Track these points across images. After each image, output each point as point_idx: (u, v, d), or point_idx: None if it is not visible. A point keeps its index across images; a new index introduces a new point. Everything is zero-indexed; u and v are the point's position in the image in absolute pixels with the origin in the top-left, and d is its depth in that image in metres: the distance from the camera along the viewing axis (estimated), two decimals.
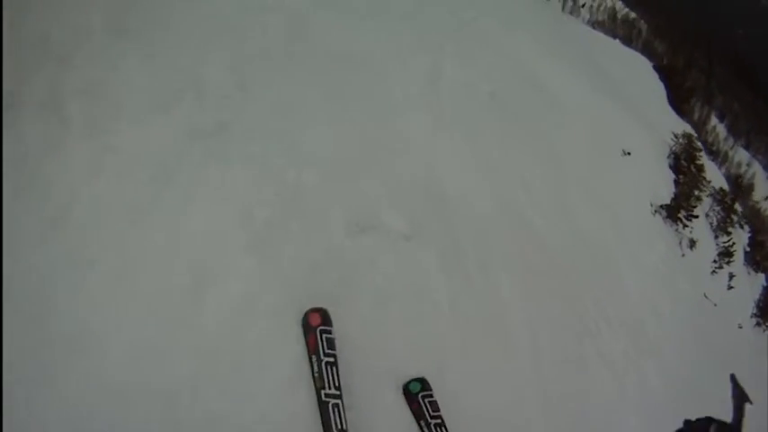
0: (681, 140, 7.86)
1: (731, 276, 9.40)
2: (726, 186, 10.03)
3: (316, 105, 3.66)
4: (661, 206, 7.00)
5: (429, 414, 2.61)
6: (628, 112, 7.34)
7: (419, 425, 2.63)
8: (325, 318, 2.55)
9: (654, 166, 7.04)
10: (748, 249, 11.26)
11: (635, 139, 6.82)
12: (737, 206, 10.36)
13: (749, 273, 11.08)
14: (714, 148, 12.53)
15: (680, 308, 6.18)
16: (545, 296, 4.04)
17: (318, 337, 2.49)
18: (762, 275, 12.22)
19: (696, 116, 12.68)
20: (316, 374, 2.41)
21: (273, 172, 3.13)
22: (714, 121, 15.54)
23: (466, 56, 5.23)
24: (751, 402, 1.64)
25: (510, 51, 5.95)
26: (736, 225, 10.11)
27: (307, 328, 2.51)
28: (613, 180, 6.01)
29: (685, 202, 7.40)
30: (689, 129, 8.81)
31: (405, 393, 2.70)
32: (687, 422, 1.49)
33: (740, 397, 1.64)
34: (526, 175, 4.68)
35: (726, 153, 14.26)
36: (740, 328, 9.70)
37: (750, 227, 11.29)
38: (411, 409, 2.66)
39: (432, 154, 4.04)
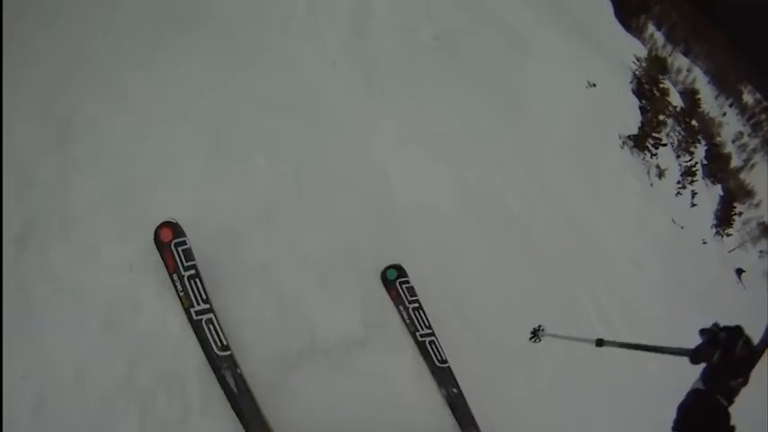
0: (643, 64, 7.23)
1: (693, 194, 9.26)
2: (680, 103, 9.66)
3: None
4: (629, 137, 6.48)
5: (407, 299, 2.65)
6: (587, 39, 6.62)
7: (398, 310, 2.66)
8: (176, 230, 2.16)
9: (619, 95, 6.46)
10: (705, 162, 11.14)
11: (598, 67, 6.14)
12: (694, 122, 10.10)
13: (707, 186, 11.04)
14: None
15: (656, 248, 5.94)
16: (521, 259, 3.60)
17: (175, 252, 2.14)
18: (719, 186, 12.30)
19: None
20: (181, 294, 2.09)
21: None
22: (651, 29, 15.48)
23: None
24: None
25: None
26: (696, 143, 9.84)
27: (160, 245, 2.15)
28: (580, 117, 5.35)
29: (651, 129, 6.93)
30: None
31: (383, 281, 2.68)
32: (708, 331, 1.35)
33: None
34: (491, 144, 3.89)
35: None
36: (705, 243, 9.73)
37: (705, 139, 11.11)
38: (390, 296, 2.67)
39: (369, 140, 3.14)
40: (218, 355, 2.02)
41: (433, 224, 3.09)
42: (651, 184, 7.02)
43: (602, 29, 7.61)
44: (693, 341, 1.32)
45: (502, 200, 3.73)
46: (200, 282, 2.12)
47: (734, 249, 16.56)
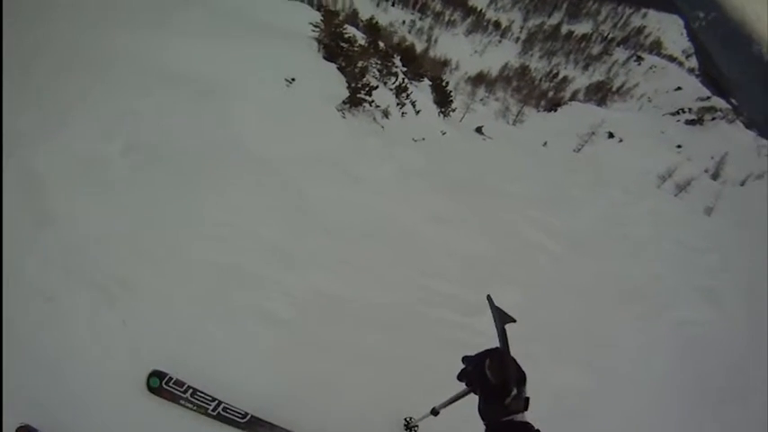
0: (320, 25, 7.59)
1: (413, 103, 10.59)
2: (360, 35, 10.50)
3: None
4: (343, 103, 6.93)
5: (180, 392, 2.68)
6: (266, 37, 6.65)
7: (180, 405, 2.68)
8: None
9: (317, 72, 6.74)
10: (404, 69, 12.67)
11: (288, 58, 6.29)
12: (380, 44, 11.18)
13: (416, 86, 12.69)
14: None
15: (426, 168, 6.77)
16: None
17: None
18: (425, 81, 14.20)
19: None
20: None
21: None
22: None
23: None
24: (514, 320, 1.63)
25: None
26: (392, 58, 10.95)
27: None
28: (291, 111, 5.55)
29: (357, 81, 7.48)
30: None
31: (151, 391, 2.66)
32: (465, 358, 1.42)
33: (500, 319, 1.59)
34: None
35: None
36: (444, 134, 11.27)
37: (395, 52, 12.50)
38: (166, 399, 2.67)
39: None
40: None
41: None
42: (383, 127, 7.80)
43: (268, 17, 7.70)
44: None
45: None
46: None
47: (463, 117, 19.73)
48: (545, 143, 23.90)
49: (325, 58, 7.45)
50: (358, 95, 7.29)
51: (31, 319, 2.64)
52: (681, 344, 5.58)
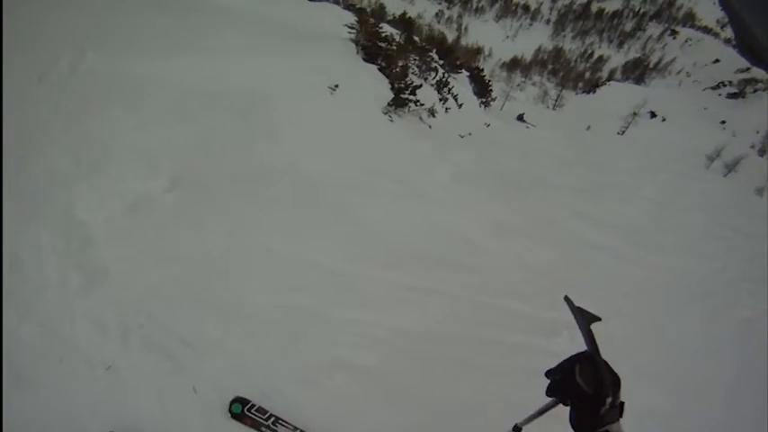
0: (355, 26, 7.23)
1: (455, 97, 10.09)
2: (393, 31, 10.11)
3: None
4: (389, 105, 6.55)
5: (263, 419, 2.59)
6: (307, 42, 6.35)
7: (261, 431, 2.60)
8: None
9: (358, 75, 6.37)
10: (441, 63, 12.16)
11: (329, 65, 5.94)
12: (416, 39, 10.77)
13: (455, 78, 12.16)
14: None
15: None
16: None
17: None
18: (462, 73, 13.66)
19: None
20: None
21: None
22: None
23: None
24: (599, 319, 1.37)
25: None
26: (429, 53, 10.54)
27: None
28: (338, 120, 5.20)
29: (400, 80, 7.09)
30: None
31: (234, 417, 2.57)
32: (549, 372, 1.24)
33: (584, 320, 1.34)
34: None
35: None
36: (488, 126, 10.83)
37: (430, 46, 12.02)
38: (247, 425, 2.58)
39: None
40: None
41: None
42: (430, 126, 7.38)
43: (300, 22, 7.41)
44: None
45: None
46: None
47: (503, 105, 19.10)
48: (588, 127, 22.87)
49: (364, 59, 7.08)
50: (402, 96, 6.89)
51: (89, 392, 2.34)
52: (751, 343, 4.97)
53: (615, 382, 1.17)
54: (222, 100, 4.39)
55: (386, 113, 6.33)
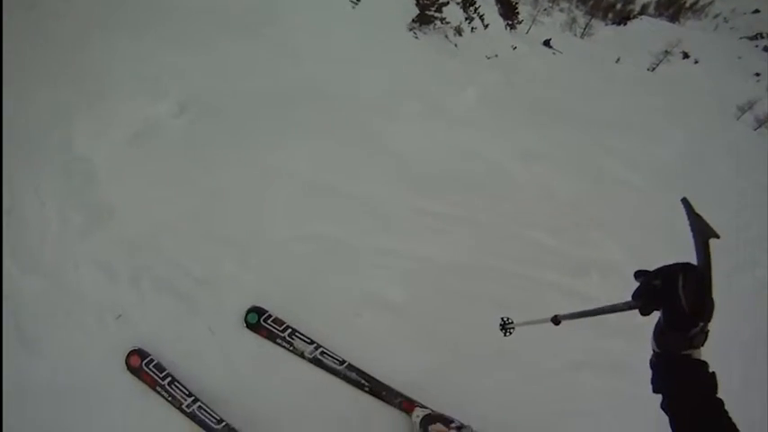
0: None
1: (482, 17, 9.45)
2: None
3: None
4: (413, 21, 6.11)
5: (279, 330, 2.55)
6: None
7: (276, 343, 2.55)
8: (142, 354, 2.31)
9: None
10: None
11: None
12: None
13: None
14: None
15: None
16: None
17: (148, 371, 2.30)
18: None
19: None
20: (169, 399, 2.29)
21: None
22: None
23: None
24: (718, 236, 1.17)
25: None
26: None
27: (133, 370, 2.31)
28: (361, 36, 4.83)
29: None
30: None
31: (248, 327, 2.55)
32: (643, 273, 1.13)
33: (702, 232, 1.15)
34: None
35: None
36: (515, 48, 10.22)
37: None
38: (262, 336, 2.55)
39: None
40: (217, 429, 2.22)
41: None
42: (456, 45, 6.92)
43: None
44: None
45: None
46: (178, 383, 2.27)
47: (529, 29, 18.01)
48: (618, 59, 21.61)
49: None
50: (428, 12, 6.40)
51: (99, 341, 2.25)
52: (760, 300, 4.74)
53: (712, 307, 1.05)
54: (232, 13, 4.02)
55: (410, 30, 5.90)
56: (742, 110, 24.39)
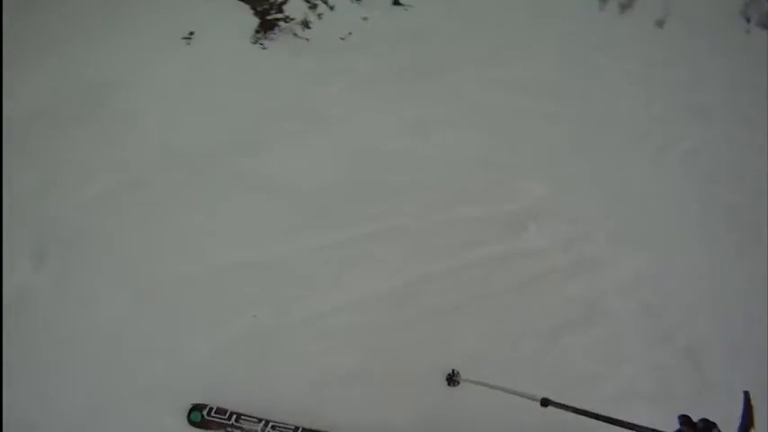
0: None
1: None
2: None
3: None
4: (256, 32, 5.73)
5: (224, 419, 2.62)
6: None
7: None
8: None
9: (211, 10, 5.39)
10: None
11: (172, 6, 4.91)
12: None
13: None
14: None
15: None
16: None
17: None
18: None
19: None
20: None
21: None
22: None
23: None
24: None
25: None
26: None
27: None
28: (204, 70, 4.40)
29: (260, 3, 6.17)
30: None
31: (194, 425, 2.60)
32: (688, 421, 1.41)
33: (749, 417, 1.49)
34: None
35: None
36: (366, 19, 9.86)
37: None
38: (213, 430, 2.62)
39: None
40: None
41: None
42: (307, 39, 6.57)
43: None
44: None
45: None
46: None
47: None
48: None
49: None
50: (268, 17, 6.05)
51: None
52: (693, 172, 4.99)
53: None
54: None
55: (255, 42, 5.61)
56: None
